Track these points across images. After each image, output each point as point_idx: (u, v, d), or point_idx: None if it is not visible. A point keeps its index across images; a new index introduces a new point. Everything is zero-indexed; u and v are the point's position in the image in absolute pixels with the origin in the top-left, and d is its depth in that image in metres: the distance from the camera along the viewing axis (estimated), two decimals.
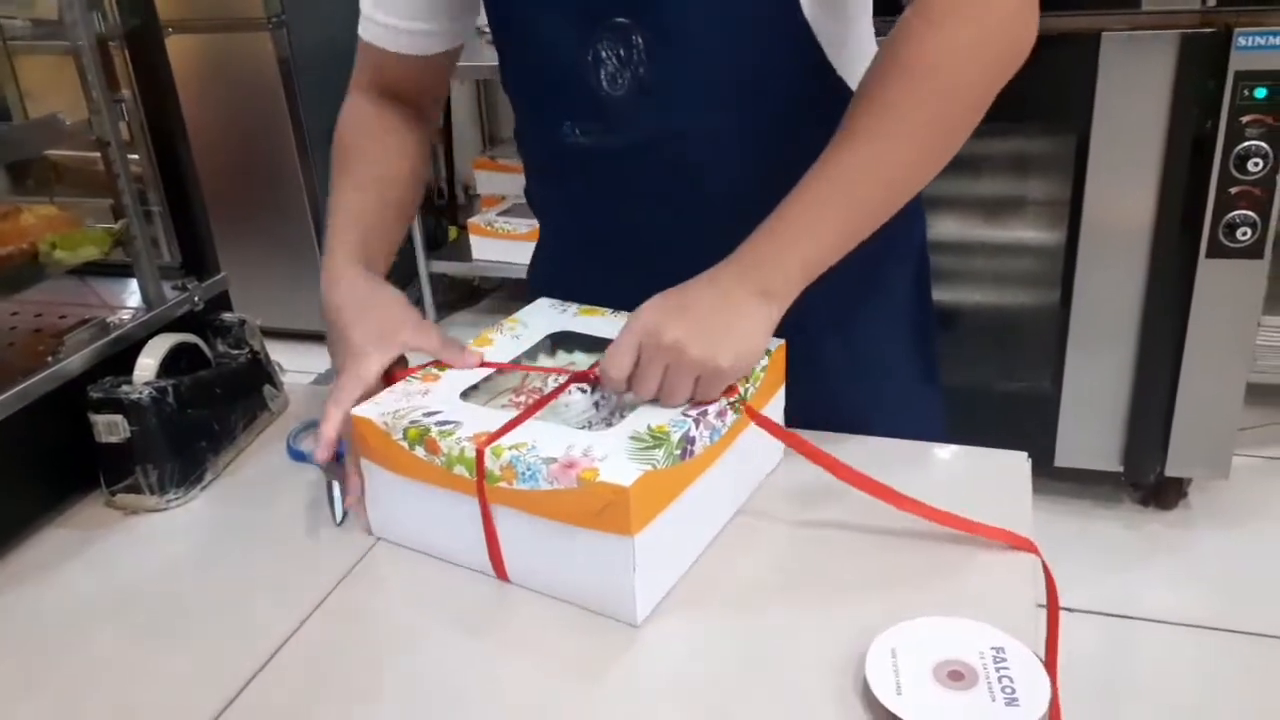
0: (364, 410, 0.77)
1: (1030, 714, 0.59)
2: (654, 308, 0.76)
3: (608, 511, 0.67)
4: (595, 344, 0.88)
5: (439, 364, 0.84)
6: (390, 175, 0.97)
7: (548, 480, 0.68)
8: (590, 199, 0.96)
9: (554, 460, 0.68)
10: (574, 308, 0.93)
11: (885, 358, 1.01)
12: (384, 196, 0.96)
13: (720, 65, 0.85)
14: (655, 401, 0.75)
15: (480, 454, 0.71)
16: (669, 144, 0.88)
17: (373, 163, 0.97)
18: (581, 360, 0.88)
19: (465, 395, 0.80)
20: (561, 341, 0.89)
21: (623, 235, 0.95)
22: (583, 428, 0.77)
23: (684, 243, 0.83)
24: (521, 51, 0.93)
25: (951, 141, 0.78)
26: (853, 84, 0.86)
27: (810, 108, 0.86)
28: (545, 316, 0.92)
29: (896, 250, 0.99)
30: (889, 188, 0.78)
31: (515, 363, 0.84)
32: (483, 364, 0.84)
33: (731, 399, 0.77)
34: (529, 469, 0.69)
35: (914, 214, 1.01)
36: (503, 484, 0.71)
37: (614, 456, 0.68)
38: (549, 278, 1.06)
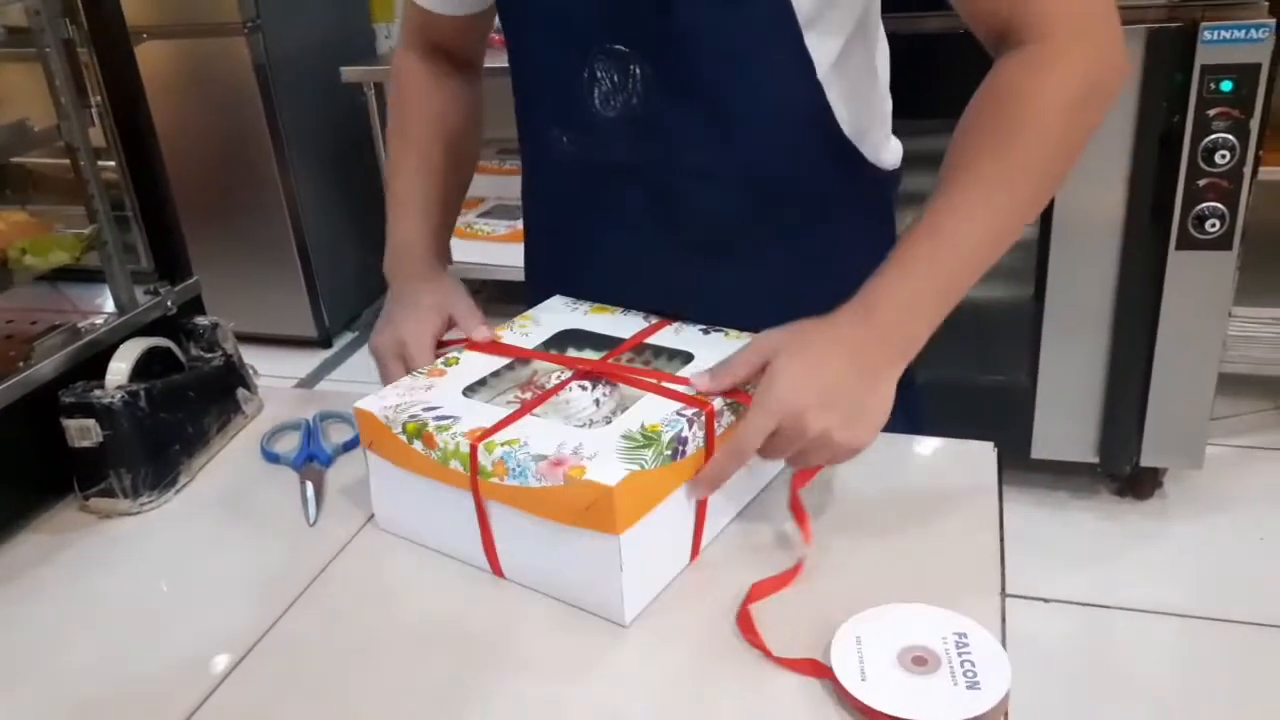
0: (366, 404, 0.78)
1: (991, 697, 0.60)
2: (793, 383, 0.71)
3: (593, 510, 0.67)
4: (605, 342, 0.88)
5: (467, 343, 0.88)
6: (450, 129, 1.04)
7: (536, 477, 0.69)
8: (575, 205, 0.97)
9: (544, 457, 0.69)
10: (585, 306, 0.94)
11: None
12: (446, 158, 1.03)
13: (716, 108, 0.85)
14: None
15: (474, 449, 0.72)
16: (654, 170, 0.89)
17: (431, 119, 1.04)
18: (592, 358, 0.88)
19: (469, 392, 0.80)
20: (572, 339, 0.90)
21: (605, 245, 0.95)
22: (583, 425, 0.77)
23: (662, 261, 0.85)
24: (523, 49, 0.94)
25: (1055, 185, 0.78)
26: (852, 132, 0.89)
27: (802, 157, 0.88)
28: (557, 314, 0.93)
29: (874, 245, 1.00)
30: (1004, 233, 0.76)
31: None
32: (495, 347, 0.87)
33: (731, 400, 0.75)
34: (519, 465, 0.70)
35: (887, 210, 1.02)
36: (494, 479, 0.71)
37: (603, 455, 0.69)
38: (539, 273, 1.07)
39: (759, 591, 0.71)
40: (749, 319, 0.83)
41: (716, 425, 0.75)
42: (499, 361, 0.85)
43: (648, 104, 0.86)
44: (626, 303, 0.88)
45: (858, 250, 0.83)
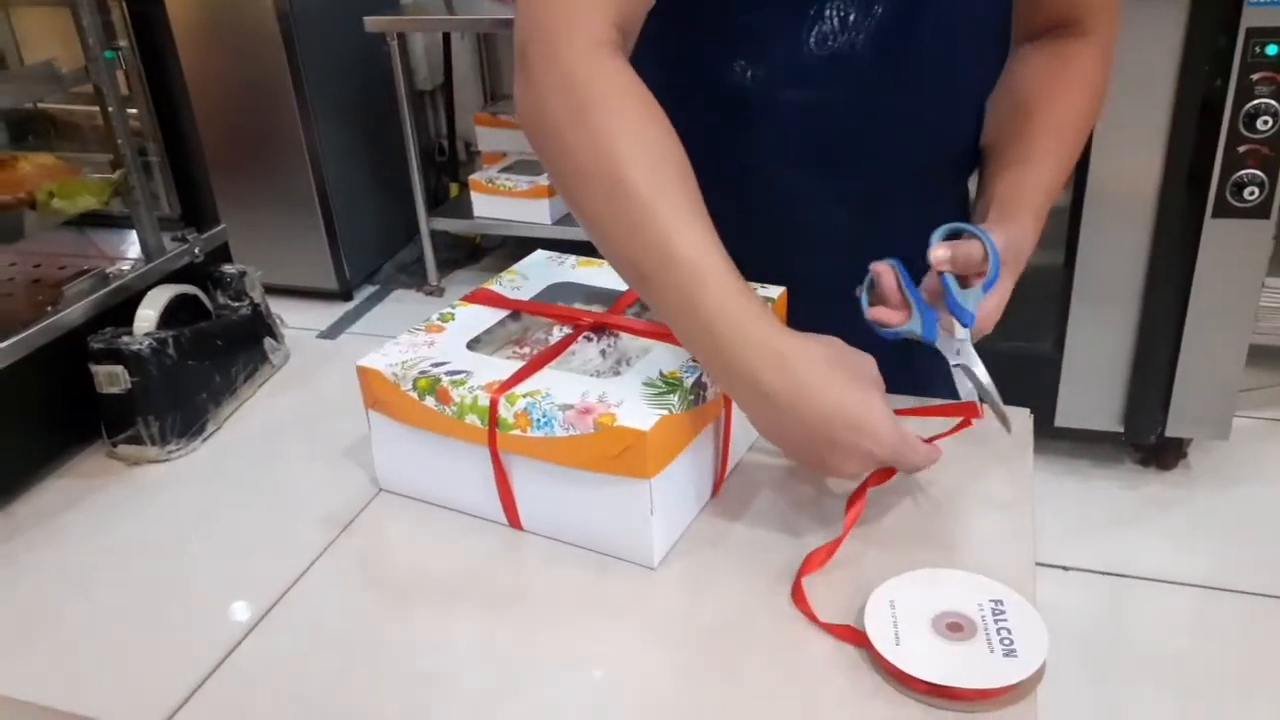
0: (371, 361, 0.77)
1: (1028, 665, 0.60)
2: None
3: (626, 455, 0.67)
4: (598, 295, 0.87)
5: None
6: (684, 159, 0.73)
7: (564, 426, 0.69)
8: (721, 133, 0.90)
9: (570, 407, 0.69)
10: (572, 259, 0.93)
11: None
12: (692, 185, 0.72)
13: (940, 53, 0.86)
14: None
15: (494, 403, 0.71)
16: (845, 111, 0.87)
17: (679, 162, 0.71)
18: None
19: (470, 345, 0.80)
20: (562, 293, 0.89)
21: (763, 187, 0.92)
22: (593, 376, 0.77)
23: (820, 205, 0.86)
24: None
25: None
26: None
27: (977, 102, 0.94)
28: (543, 269, 0.91)
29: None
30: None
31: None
32: (502, 301, 0.85)
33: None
34: (544, 416, 0.69)
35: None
36: (516, 432, 0.71)
37: (630, 401, 0.69)
38: None
39: (813, 563, 0.71)
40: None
41: None
42: (494, 316, 0.84)
43: (873, 44, 0.84)
44: (771, 246, 0.81)
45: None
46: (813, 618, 0.66)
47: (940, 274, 0.78)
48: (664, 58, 0.87)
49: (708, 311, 0.67)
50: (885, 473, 0.75)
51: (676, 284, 0.67)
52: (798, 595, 0.68)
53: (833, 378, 0.67)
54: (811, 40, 0.85)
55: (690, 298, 0.67)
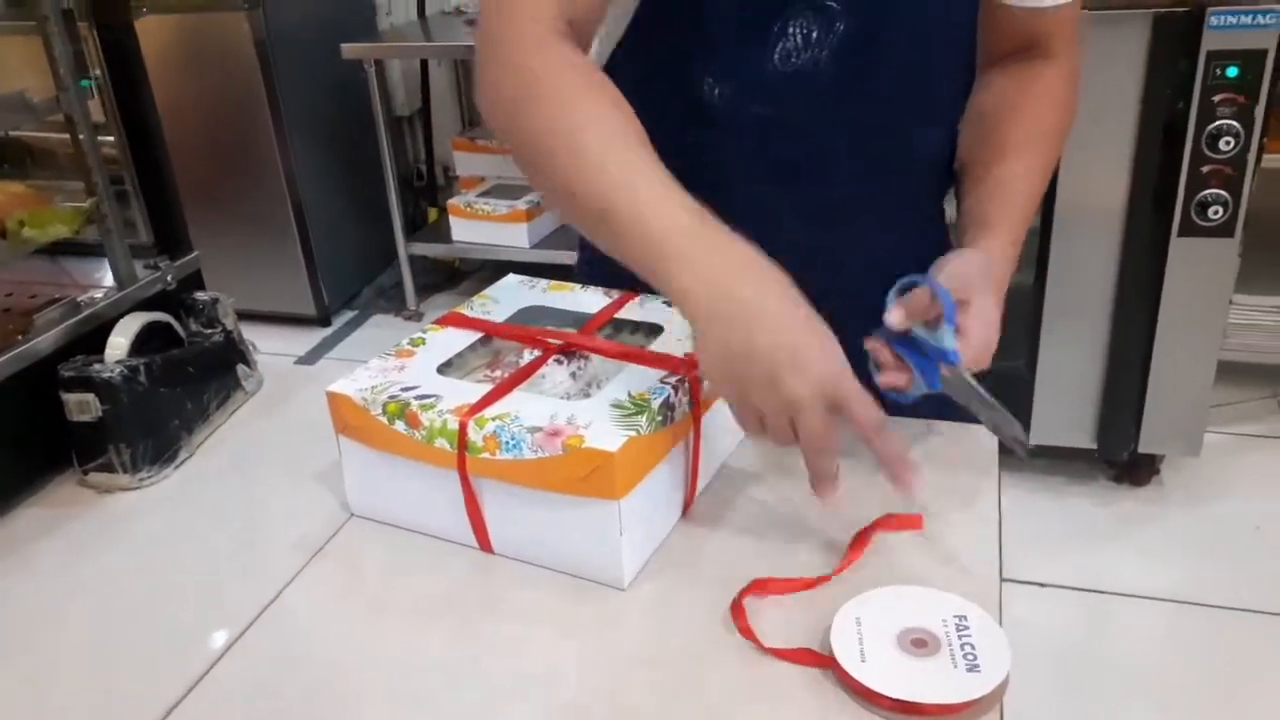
0: (340, 387, 0.78)
1: (991, 680, 0.60)
2: (991, 325, 0.78)
3: (594, 477, 0.68)
4: (569, 318, 0.88)
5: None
6: (630, 116, 0.77)
7: (532, 449, 0.69)
8: (709, 159, 0.89)
9: (538, 429, 0.70)
10: (544, 283, 0.94)
11: None
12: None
13: (902, 68, 0.87)
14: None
15: (463, 426, 0.72)
16: (802, 128, 0.89)
17: (616, 106, 0.76)
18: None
19: (440, 370, 0.80)
20: (534, 316, 0.90)
21: (737, 199, 0.89)
22: (563, 398, 0.78)
23: (795, 218, 0.86)
24: (690, 2, 0.86)
25: None
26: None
27: (945, 114, 0.95)
28: (515, 293, 0.92)
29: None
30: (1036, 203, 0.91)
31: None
32: (475, 323, 0.85)
33: None
34: (513, 439, 0.70)
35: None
36: (485, 455, 0.71)
37: (598, 423, 0.70)
38: None
39: (756, 587, 0.71)
40: (872, 284, 0.80)
41: (702, 391, 0.77)
42: (465, 340, 0.84)
43: (836, 60, 0.85)
44: None
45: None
46: (757, 643, 0.66)
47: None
48: (640, 75, 0.89)
49: (678, 229, 0.68)
50: (899, 520, 0.76)
51: (641, 217, 0.69)
52: (739, 619, 0.68)
53: (804, 312, 0.67)
54: (776, 57, 0.86)
55: (661, 215, 0.69)
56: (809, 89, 0.87)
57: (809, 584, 0.71)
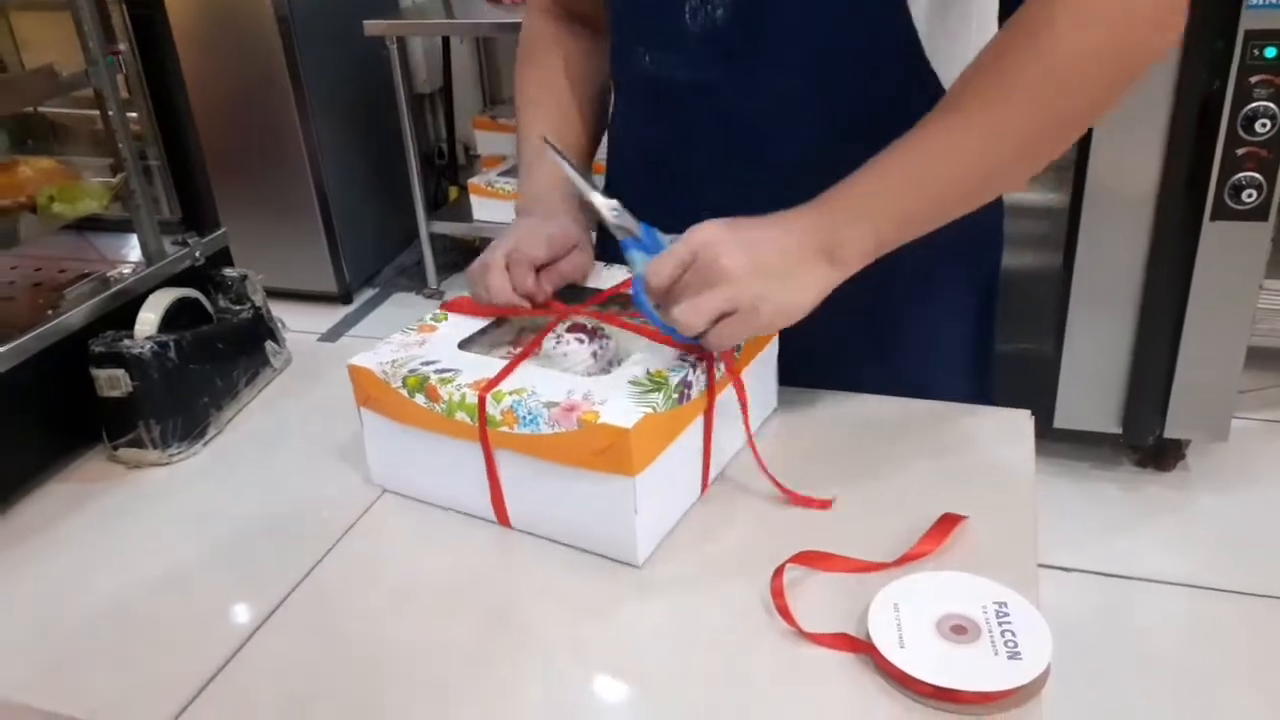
0: (362, 360, 0.78)
1: (1033, 667, 0.60)
2: (718, 232, 0.71)
3: (609, 453, 0.68)
4: (577, 295, 0.87)
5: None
6: (580, 77, 1.01)
7: (549, 424, 0.69)
8: (653, 131, 0.95)
9: (555, 404, 0.69)
10: None
11: (946, 330, 1.00)
12: (579, 105, 1.01)
13: (802, 29, 0.83)
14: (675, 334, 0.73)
15: (482, 400, 0.71)
16: (731, 91, 0.87)
17: (560, 69, 1.01)
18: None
19: (463, 345, 0.80)
20: (559, 294, 0.89)
21: (681, 167, 0.93)
22: (584, 376, 0.77)
23: (733, 191, 0.83)
24: None
25: (1058, 145, 0.74)
26: (944, 77, 0.84)
27: (889, 91, 0.84)
28: None
29: (981, 232, 0.96)
30: (983, 177, 0.75)
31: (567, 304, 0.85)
32: (491, 311, 0.84)
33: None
34: (530, 413, 0.70)
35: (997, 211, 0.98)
36: (503, 429, 0.71)
37: (614, 400, 0.69)
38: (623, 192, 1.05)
39: (803, 559, 0.70)
40: None
41: (716, 371, 0.76)
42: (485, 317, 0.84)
43: (733, 18, 0.84)
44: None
45: None
46: (796, 627, 0.65)
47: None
48: (611, 54, 0.97)
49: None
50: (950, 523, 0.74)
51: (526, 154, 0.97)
52: (778, 600, 0.67)
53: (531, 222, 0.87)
54: (685, 15, 0.86)
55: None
56: (720, 51, 0.86)
57: (863, 566, 0.70)
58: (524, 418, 0.70)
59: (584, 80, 1.02)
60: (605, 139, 1.05)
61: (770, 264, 0.70)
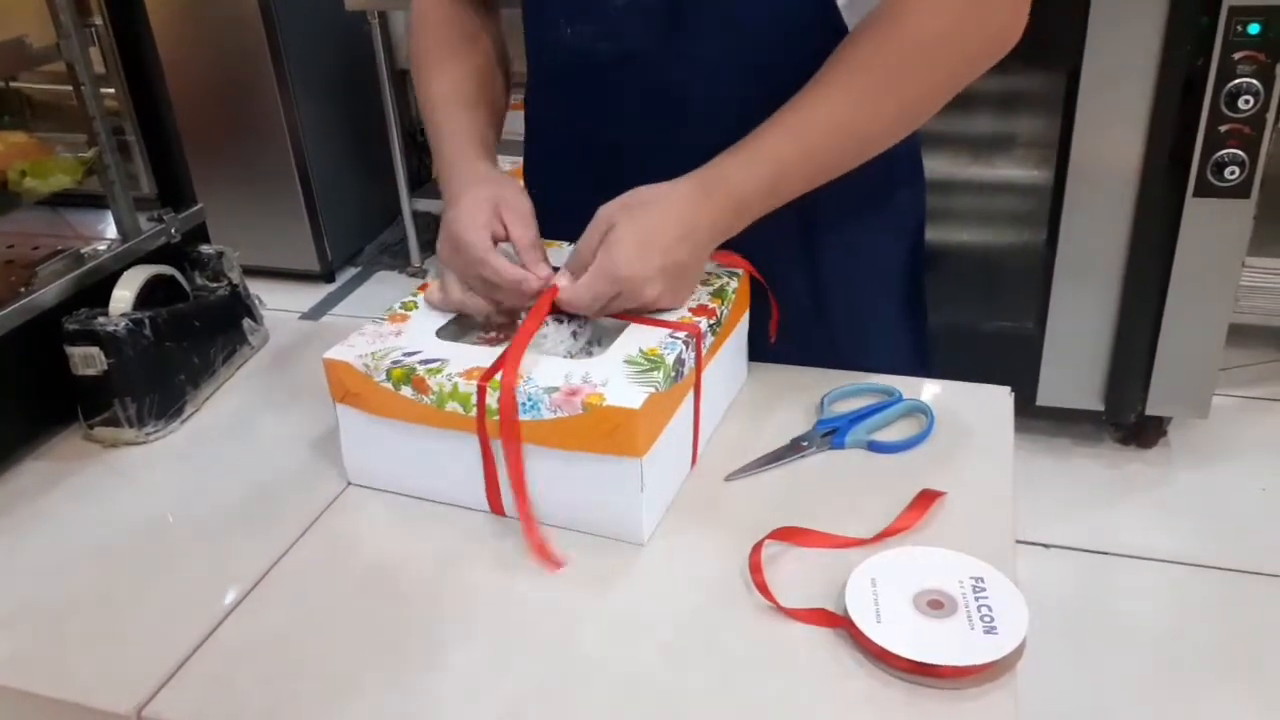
0: (338, 353, 0.76)
1: (1009, 642, 0.60)
2: (631, 254, 0.75)
3: (616, 434, 0.67)
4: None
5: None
6: (479, 54, 1.00)
7: (551, 409, 0.68)
8: (578, 107, 0.95)
9: (555, 389, 0.69)
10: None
11: (877, 296, 1.01)
12: (477, 82, 0.98)
13: (722, 6, 0.83)
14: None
15: (482, 390, 0.70)
16: (656, 62, 0.87)
17: (456, 47, 0.99)
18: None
19: (438, 334, 0.79)
20: None
21: (606, 150, 0.94)
22: (567, 357, 0.77)
23: (664, 163, 0.82)
24: None
25: (919, 115, 0.82)
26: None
27: (806, 47, 0.84)
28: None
29: (899, 176, 0.99)
30: (849, 137, 0.81)
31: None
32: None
33: (711, 320, 0.78)
34: (530, 400, 0.69)
35: (913, 154, 1.00)
36: (499, 417, 0.70)
37: (615, 381, 0.69)
38: (541, 171, 1.05)
39: (780, 535, 0.71)
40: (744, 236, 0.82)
41: (703, 347, 0.77)
42: None
43: None
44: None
45: None
46: (774, 602, 0.66)
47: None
48: (530, 39, 0.98)
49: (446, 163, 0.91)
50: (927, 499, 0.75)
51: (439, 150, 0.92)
52: (756, 576, 0.68)
53: (468, 203, 0.83)
54: None
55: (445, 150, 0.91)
56: (643, 21, 0.86)
57: (841, 542, 0.71)
58: (524, 404, 0.69)
59: (487, 58, 1.00)
60: (523, 122, 1.04)
61: (680, 272, 0.77)
